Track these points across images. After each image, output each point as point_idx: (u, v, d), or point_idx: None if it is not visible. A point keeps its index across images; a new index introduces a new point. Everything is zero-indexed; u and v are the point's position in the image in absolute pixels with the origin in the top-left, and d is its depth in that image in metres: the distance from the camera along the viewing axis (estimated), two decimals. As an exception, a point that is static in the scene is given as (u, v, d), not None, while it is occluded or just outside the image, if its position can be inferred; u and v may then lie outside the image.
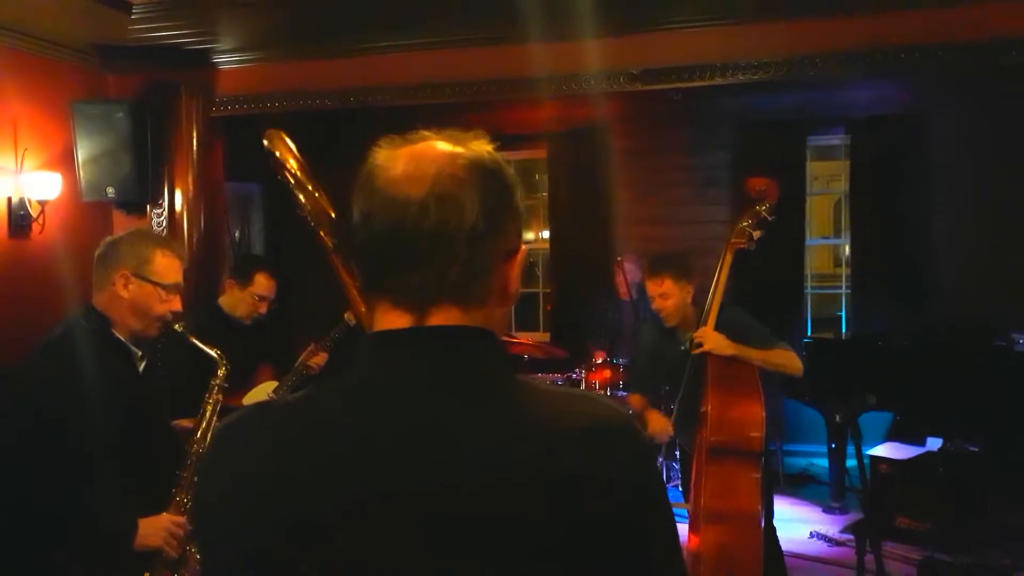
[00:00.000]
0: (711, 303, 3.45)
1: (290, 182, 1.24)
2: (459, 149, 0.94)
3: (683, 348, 3.55)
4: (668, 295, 3.56)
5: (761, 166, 3.63)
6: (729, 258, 3.49)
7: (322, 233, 1.22)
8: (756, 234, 3.51)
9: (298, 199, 1.23)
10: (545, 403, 0.91)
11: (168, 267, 2.34)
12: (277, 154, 1.25)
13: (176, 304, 2.37)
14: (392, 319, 0.93)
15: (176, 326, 2.44)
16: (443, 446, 0.86)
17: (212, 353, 2.60)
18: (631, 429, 0.92)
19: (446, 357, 0.91)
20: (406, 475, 0.85)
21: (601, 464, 0.87)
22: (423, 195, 0.90)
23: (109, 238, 2.39)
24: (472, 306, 0.93)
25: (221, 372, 2.60)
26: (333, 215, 1.21)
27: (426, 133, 0.96)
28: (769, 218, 3.51)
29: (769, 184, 3.57)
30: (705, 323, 3.42)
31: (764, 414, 3.22)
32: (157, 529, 2.29)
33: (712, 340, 3.36)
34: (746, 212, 3.56)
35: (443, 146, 0.94)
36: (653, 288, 3.57)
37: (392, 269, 0.92)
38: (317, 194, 1.22)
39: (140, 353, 2.39)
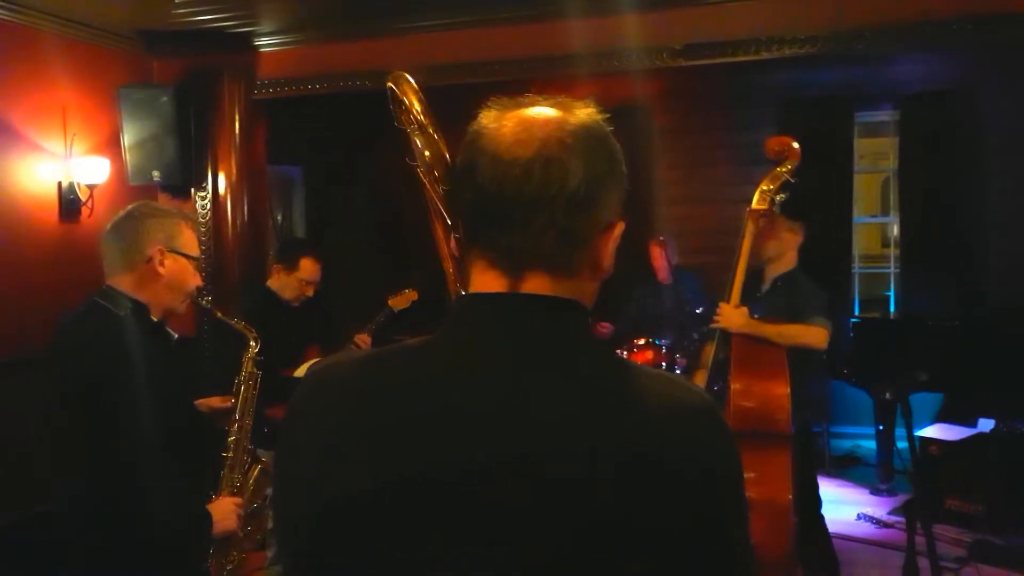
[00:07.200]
0: (734, 275, 3.33)
1: (412, 126, 1.22)
2: (568, 115, 0.92)
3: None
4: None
5: (807, 143, 3.48)
6: (751, 226, 3.34)
7: (429, 183, 1.20)
8: (779, 198, 3.33)
9: (416, 145, 1.21)
10: (630, 381, 0.90)
11: (192, 239, 2.28)
12: (403, 98, 1.23)
13: (199, 278, 2.30)
14: (487, 279, 0.92)
15: (203, 301, 2.42)
16: (526, 415, 0.85)
17: (239, 328, 2.59)
18: (714, 414, 0.91)
19: (537, 327, 0.90)
20: (487, 440, 0.84)
21: (677, 445, 0.85)
22: (529, 158, 0.88)
23: (121, 216, 2.21)
24: (564, 275, 0.91)
25: (252, 347, 2.57)
26: (450, 161, 1.18)
27: (535, 97, 0.95)
28: (792, 180, 3.34)
29: (787, 144, 3.39)
30: (728, 297, 3.32)
31: (788, 393, 3.11)
32: (228, 513, 2.24)
33: (726, 317, 3.29)
34: (767, 175, 3.38)
35: (552, 111, 0.93)
36: None
37: (490, 229, 0.91)
38: (437, 137, 1.20)
39: (176, 336, 2.31)
